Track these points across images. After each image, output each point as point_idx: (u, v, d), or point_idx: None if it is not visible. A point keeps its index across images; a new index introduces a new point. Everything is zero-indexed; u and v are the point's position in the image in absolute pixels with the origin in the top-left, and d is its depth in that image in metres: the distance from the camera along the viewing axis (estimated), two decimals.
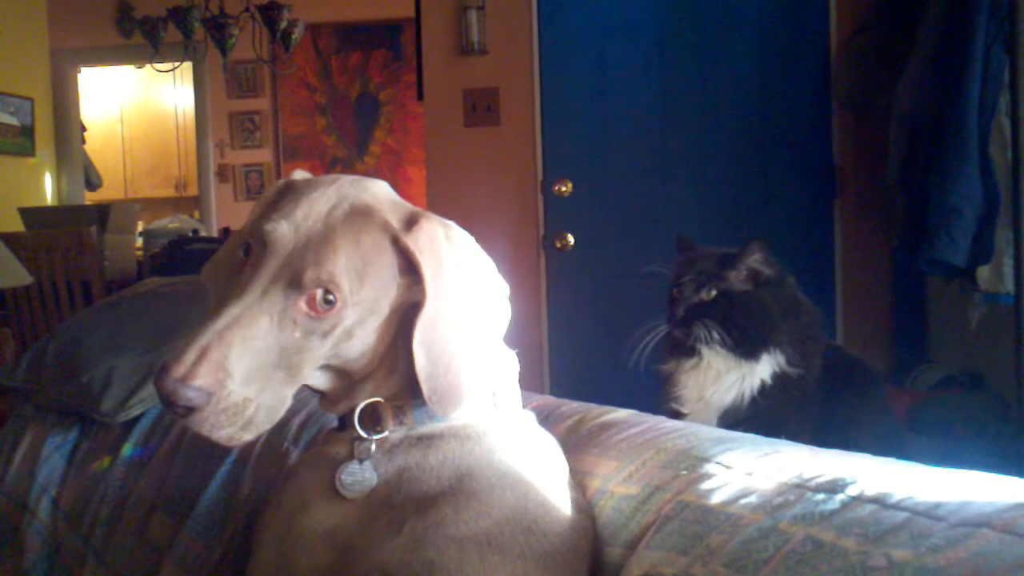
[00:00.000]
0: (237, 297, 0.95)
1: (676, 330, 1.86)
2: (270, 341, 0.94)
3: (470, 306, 1.05)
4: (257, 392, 0.94)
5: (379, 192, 1.07)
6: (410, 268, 1.01)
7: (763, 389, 1.77)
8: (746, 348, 1.79)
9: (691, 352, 1.85)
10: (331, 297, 0.96)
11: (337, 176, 1.06)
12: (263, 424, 0.97)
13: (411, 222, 1.03)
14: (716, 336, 1.79)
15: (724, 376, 1.80)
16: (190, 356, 0.90)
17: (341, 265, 0.97)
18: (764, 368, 1.78)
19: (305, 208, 1.00)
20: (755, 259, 1.84)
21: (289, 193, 1.05)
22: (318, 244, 0.97)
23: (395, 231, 1.01)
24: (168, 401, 0.91)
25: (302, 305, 0.96)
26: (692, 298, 1.84)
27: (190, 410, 0.91)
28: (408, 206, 1.07)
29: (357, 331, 1.00)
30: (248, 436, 0.96)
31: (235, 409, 0.93)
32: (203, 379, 0.90)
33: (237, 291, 0.96)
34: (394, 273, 1.01)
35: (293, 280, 0.96)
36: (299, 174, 1.12)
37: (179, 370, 0.90)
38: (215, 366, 0.91)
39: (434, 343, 1.00)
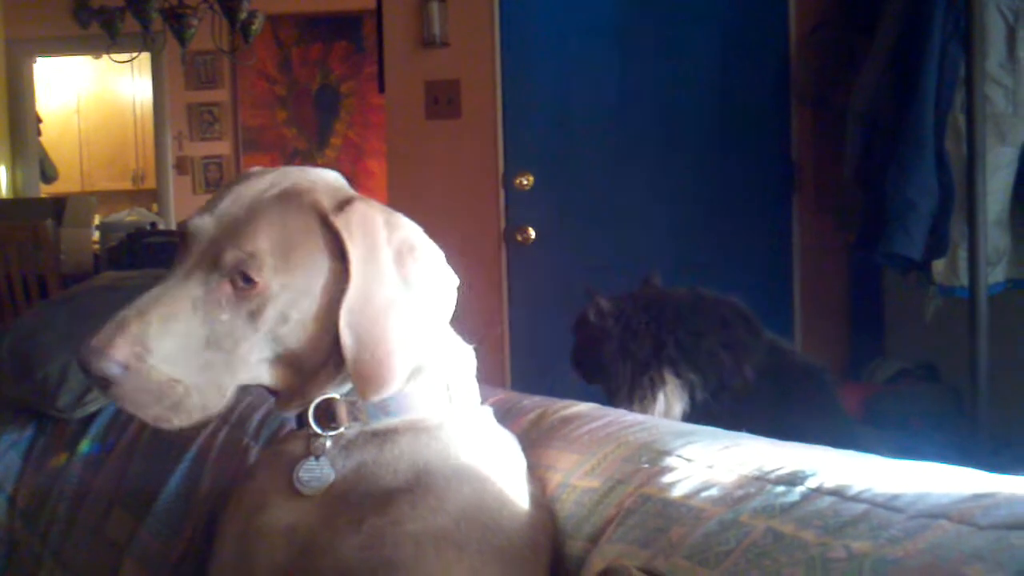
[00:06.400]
0: (161, 282, 0.99)
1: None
2: (195, 324, 0.97)
3: (406, 292, 1.03)
4: (186, 374, 0.97)
5: (320, 179, 1.07)
6: (345, 251, 1.01)
7: (691, 414, 1.75)
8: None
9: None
10: (250, 275, 0.97)
11: (286, 168, 1.07)
12: (197, 409, 0.98)
13: (344, 204, 1.02)
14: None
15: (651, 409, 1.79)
16: (108, 329, 0.95)
17: (263, 245, 0.98)
18: (673, 405, 1.77)
19: (231, 198, 1.02)
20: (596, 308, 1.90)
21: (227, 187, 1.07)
22: (238, 227, 0.99)
23: (324, 211, 1.01)
24: (86, 371, 0.95)
25: (227, 287, 0.98)
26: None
27: (108, 382, 0.95)
28: (349, 192, 1.07)
29: (292, 314, 1.00)
30: (180, 420, 0.98)
31: (159, 388, 0.96)
32: (119, 351, 0.94)
33: (162, 279, 1.00)
34: (324, 255, 1.01)
35: (213, 263, 0.98)
36: (256, 170, 1.11)
37: (96, 342, 0.94)
38: (132, 340, 0.94)
39: (360, 325, 1.00)
